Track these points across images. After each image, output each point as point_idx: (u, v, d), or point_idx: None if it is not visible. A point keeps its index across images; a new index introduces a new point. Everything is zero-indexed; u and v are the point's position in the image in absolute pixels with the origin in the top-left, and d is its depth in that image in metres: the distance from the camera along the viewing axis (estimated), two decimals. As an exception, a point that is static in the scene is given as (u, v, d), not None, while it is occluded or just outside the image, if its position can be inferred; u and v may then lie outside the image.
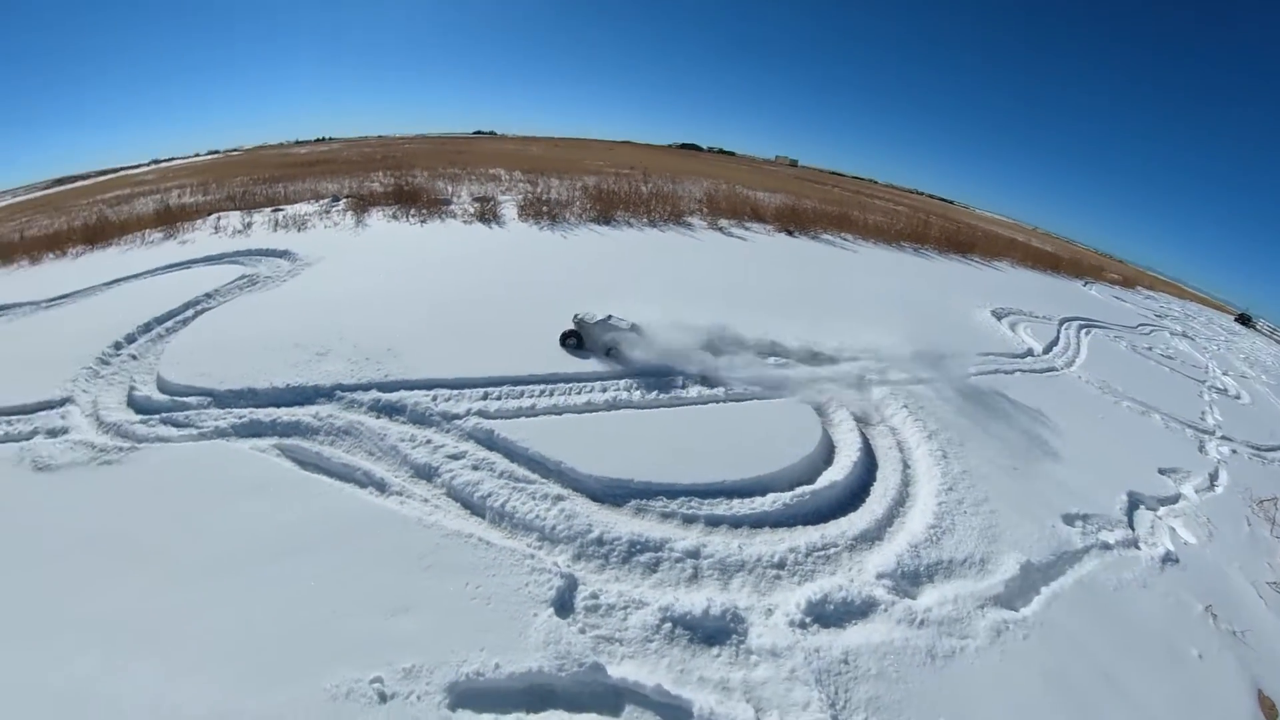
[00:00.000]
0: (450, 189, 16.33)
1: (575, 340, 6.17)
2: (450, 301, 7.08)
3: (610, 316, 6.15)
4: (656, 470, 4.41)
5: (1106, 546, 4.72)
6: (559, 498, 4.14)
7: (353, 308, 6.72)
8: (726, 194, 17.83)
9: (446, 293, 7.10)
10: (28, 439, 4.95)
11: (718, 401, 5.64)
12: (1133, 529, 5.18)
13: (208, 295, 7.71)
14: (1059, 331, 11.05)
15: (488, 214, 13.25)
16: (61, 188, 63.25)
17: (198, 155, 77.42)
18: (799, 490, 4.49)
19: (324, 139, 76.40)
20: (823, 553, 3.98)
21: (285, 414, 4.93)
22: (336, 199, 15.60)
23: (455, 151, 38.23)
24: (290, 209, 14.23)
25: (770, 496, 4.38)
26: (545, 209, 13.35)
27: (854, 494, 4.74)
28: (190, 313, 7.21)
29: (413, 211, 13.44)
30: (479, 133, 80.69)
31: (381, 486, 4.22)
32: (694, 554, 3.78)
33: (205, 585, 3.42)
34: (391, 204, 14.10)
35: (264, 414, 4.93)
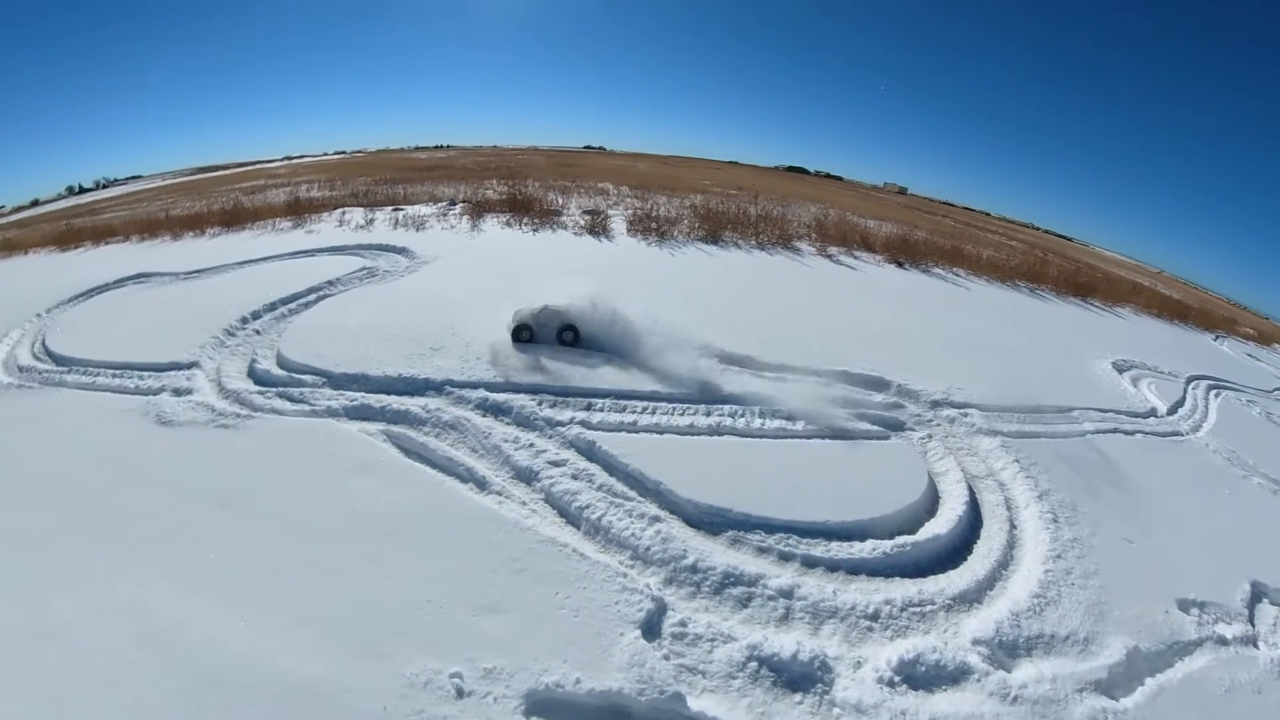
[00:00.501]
0: (560, 200, 17.12)
1: (528, 334, 6.60)
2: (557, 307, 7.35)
3: (547, 306, 6.65)
4: (756, 502, 4.41)
5: (1222, 641, 4.24)
6: (656, 518, 4.19)
7: (466, 307, 7.16)
8: (836, 220, 17.66)
9: (555, 299, 7.41)
10: (155, 394, 5.72)
11: (822, 437, 5.56)
12: (1253, 625, 4.62)
13: (330, 283, 8.53)
14: (1186, 391, 10.05)
15: (598, 227, 13.77)
16: (203, 175, 71.61)
17: (326, 154, 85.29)
18: (900, 540, 4.35)
19: (442, 146, 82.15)
20: (919, 609, 3.83)
21: (395, 402, 5.35)
22: (453, 203, 16.76)
23: (565, 164, 40.11)
24: (409, 209, 15.41)
25: (870, 543, 4.26)
26: (654, 225, 13.72)
27: (956, 550, 4.54)
28: (313, 297, 8.00)
29: (525, 220, 14.19)
30: (588, 147, 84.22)
31: (482, 484, 4.47)
32: (787, 594, 3.75)
33: (306, 552, 3.78)
34: (505, 211, 14.96)
35: (374, 399, 5.38)
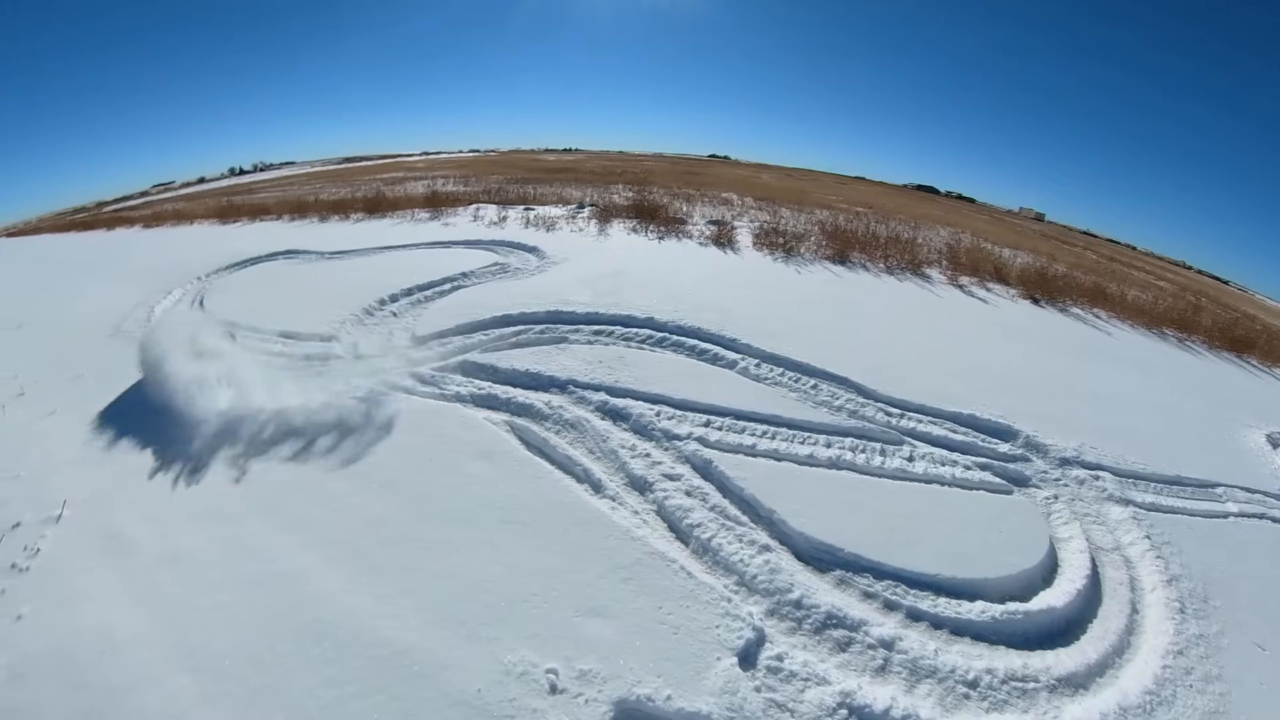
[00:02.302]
0: (686, 209, 17.38)
1: None
2: (682, 319, 7.50)
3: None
4: (867, 544, 4.32)
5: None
6: (766, 547, 4.20)
7: (592, 310, 7.44)
8: (968, 247, 16.80)
9: (680, 311, 7.57)
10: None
11: (942, 483, 5.35)
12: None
13: (464, 275, 9.17)
14: (1356, 480, 8.67)
15: (723, 238, 13.85)
16: (348, 164, 78.19)
17: (460, 151, 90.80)
18: (1011, 606, 4.12)
19: (570, 149, 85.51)
20: (1020, 684, 3.61)
21: (520, 395, 5.69)
22: (581, 206, 17.44)
23: (689, 172, 40.63)
24: (539, 209, 16.17)
25: (979, 605, 4.06)
26: (781, 240, 13.65)
27: (1069, 627, 4.24)
28: (448, 286, 8.64)
29: (651, 227, 14.50)
30: (713, 156, 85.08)
31: (597, 487, 4.66)
32: (888, 644, 3.66)
33: (423, 527, 4.16)
34: (632, 217, 15.34)
35: (501, 390, 5.76)
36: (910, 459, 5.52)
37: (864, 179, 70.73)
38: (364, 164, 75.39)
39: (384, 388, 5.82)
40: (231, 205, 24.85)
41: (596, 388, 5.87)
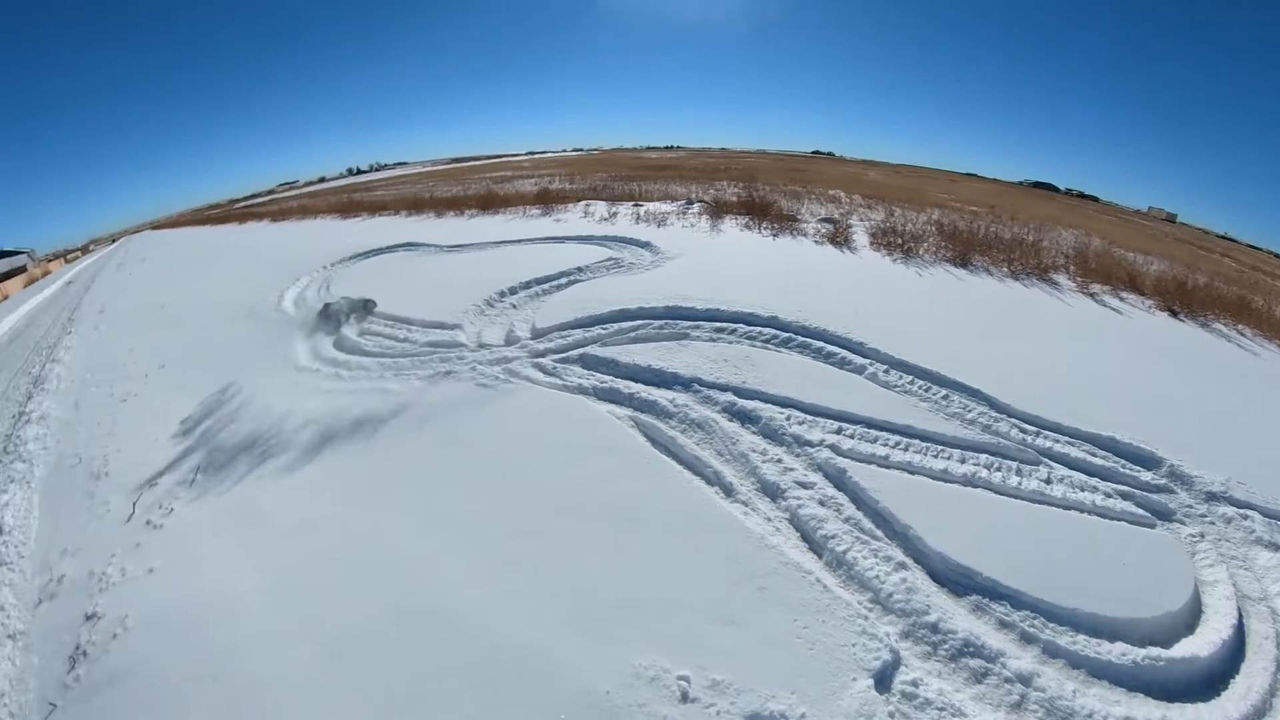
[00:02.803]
0: (795, 206, 16.94)
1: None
2: (806, 320, 7.26)
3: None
4: (1004, 570, 3.99)
5: None
6: (902, 565, 3.98)
7: (711, 306, 7.31)
8: (1098, 251, 15.42)
9: (803, 311, 7.32)
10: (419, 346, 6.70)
11: (1081, 510, 4.90)
12: None
13: (579, 269, 9.28)
14: None
15: (839, 237, 13.38)
16: (458, 164, 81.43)
17: (564, 150, 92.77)
18: (1151, 651, 3.73)
19: (672, 146, 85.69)
20: None
21: (644, 390, 5.63)
22: (690, 202, 17.29)
23: (794, 169, 39.71)
24: (649, 206, 16.17)
25: (1120, 647, 3.70)
26: (899, 241, 13.04)
27: (1211, 679, 3.77)
28: (564, 280, 8.75)
29: (764, 224, 14.20)
30: (816, 152, 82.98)
31: (728, 491, 4.51)
32: (1025, 679, 3.41)
33: (549, 520, 4.15)
34: (742, 214, 15.08)
35: (623, 385, 5.72)
36: (1048, 481, 5.10)
37: (977, 176, 67.16)
38: (473, 163, 78.38)
39: (507, 376, 5.90)
40: (351, 201, 26.31)
41: (723, 387, 5.71)
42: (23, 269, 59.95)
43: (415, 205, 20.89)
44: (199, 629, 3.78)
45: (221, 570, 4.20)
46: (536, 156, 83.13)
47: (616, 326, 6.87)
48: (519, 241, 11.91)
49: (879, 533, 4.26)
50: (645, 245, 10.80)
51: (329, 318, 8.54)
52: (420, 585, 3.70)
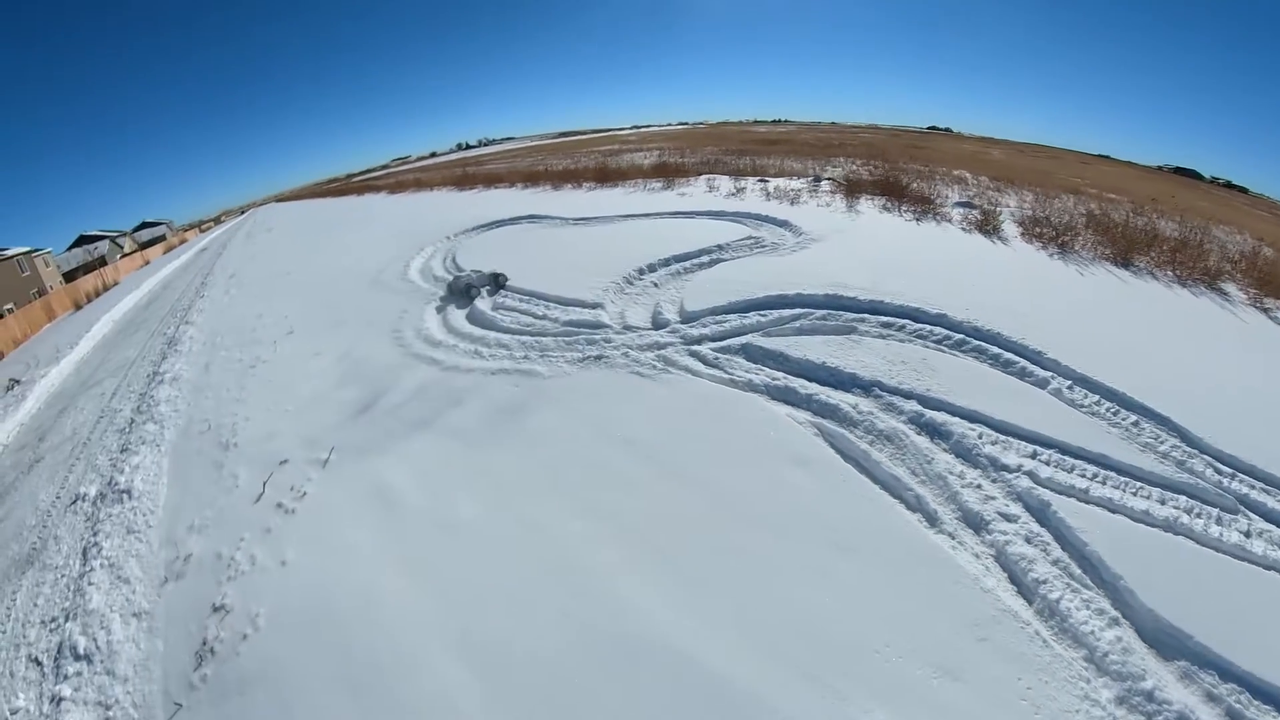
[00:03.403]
0: (927, 188, 15.60)
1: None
2: (977, 320, 6.39)
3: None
4: (1213, 634, 3.56)
5: None
6: (1115, 620, 3.58)
7: (874, 298, 6.48)
8: (1270, 260, 13.17)
9: (971, 309, 6.41)
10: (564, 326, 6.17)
11: None
12: None
13: (719, 247, 8.57)
14: None
15: (988, 225, 12.08)
16: (564, 138, 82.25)
17: (669, 124, 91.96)
18: None
19: (779, 120, 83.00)
20: None
21: (821, 392, 4.94)
22: (819, 179, 16.18)
23: (911, 146, 37.41)
24: (776, 182, 15.20)
25: None
26: (1053, 233, 11.59)
27: None
28: (705, 259, 8.07)
29: (903, 206, 13.03)
30: (933, 128, 78.34)
31: (932, 520, 3.92)
32: None
33: (743, 537, 3.62)
34: (877, 194, 13.90)
35: (798, 384, 5.03)
36: (1247, 535, 4.39)
37: (1108, 159, 61.47)
38: (579, 138, 78.82)
39: (664, 365, 5.29)
40: (466, 174, 26.54)
41: (906, 394, 4.98)
42: (162, 238, 65.03)
43: (530, 178, 20.69)
44: (339, 635, 3.42)
45: (361, 567, 3.80)
46: (642, 130, 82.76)
47: (776, 314, 6.12)
48: (645, 215, 11.32)
49: (1089, 580, 3.84)
50: (784, 224, 9.95)
51: (460, 291, 8.20)
52: (603, 603, 3.28)
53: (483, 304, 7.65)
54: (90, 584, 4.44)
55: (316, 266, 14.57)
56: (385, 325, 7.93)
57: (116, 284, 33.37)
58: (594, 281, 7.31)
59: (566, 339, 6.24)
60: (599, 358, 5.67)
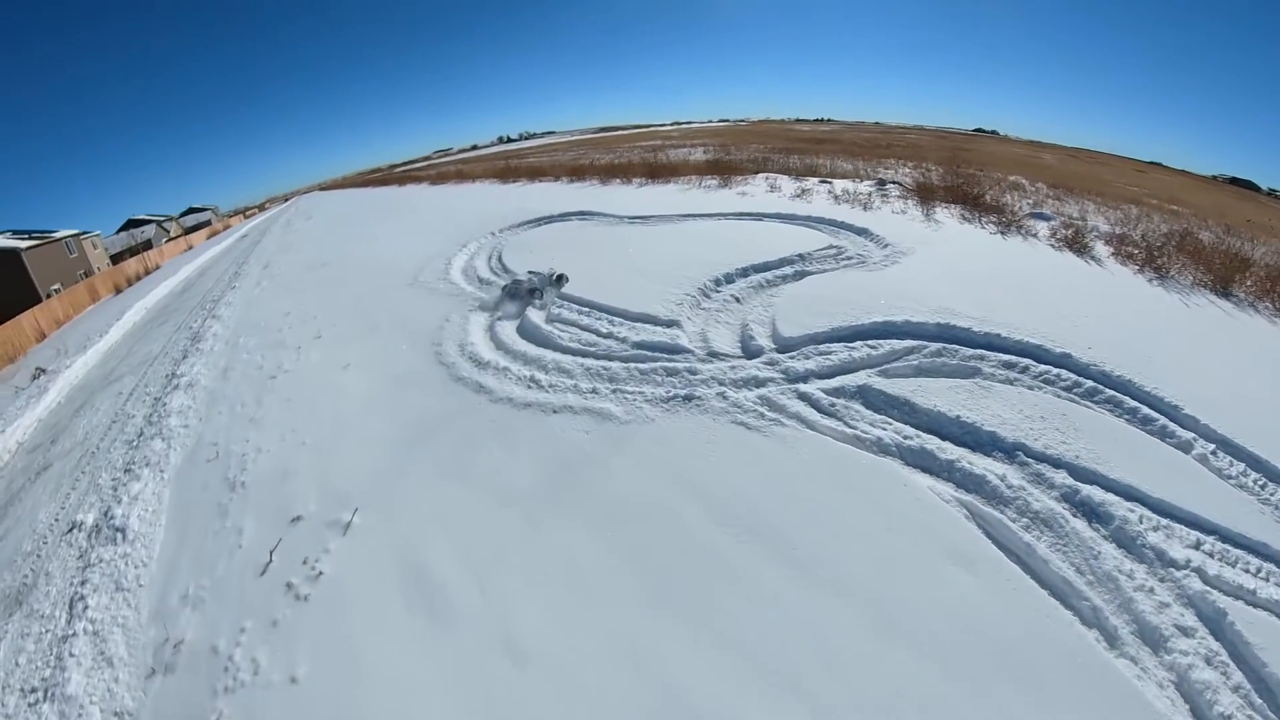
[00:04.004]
0: (997, 196, 14.37)
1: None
2: (1105, 364, 5.31)
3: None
4: None
5: None
6: None
7: (989, 330, 5.47)
8: None
9: (1094, 349, 5.33)
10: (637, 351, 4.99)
11: None
12: None
13: (800, 257, 7.55)
14: None
15: (1076, 242, 10.85)
16: (604, 133, 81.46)
17: (709, 121, 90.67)
18: None
19: (822, 119, 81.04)
20: None
21: (962, 457, 3.96)
22: (884, 183, 15.00)
23: (959, 149, 35.78)
24: (840, 184, 14.04)
25: None
26: (1149, 255, 10.30)
27: None
28: (789, 270, 7.09)
29: (985, 218, 11.81)
30: (979, 130, 75.57)
31: (1111, 639, 3.10)
32: None
33: (907, 662, 2.77)
34: (950, 201, 12.68)
35: (934, 445, 4.04)
36: None
37: (1161, 166, 58.48)
38: (620, 133, 77.81)
39: (773, 414, 4.30)
40: (509, 167, 25.68)
41: (1055, 462, 4.03)
42: (208, 223, 65.78)
43: (576, 171, 19.76)
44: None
45: (396, 687, 2.86)
46: (683, 126, 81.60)
47: (887, 347, 5.10)
48: (708, 216, 10.33)
49: (1270, 715, 3.13)
50: (864, 233, 8.85)
51: (520, 295, 7.30)
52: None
53: (536, 315, 6.69)
54: (72, 654, 3.65)
55: (353, 259, 13.80)
56: (424, 335, 7.06)
57: (158, 268, 33.48)
58: (663, 292, 6.33)
59: (640, 366, 5.23)
60: (688, 398, 4.65)
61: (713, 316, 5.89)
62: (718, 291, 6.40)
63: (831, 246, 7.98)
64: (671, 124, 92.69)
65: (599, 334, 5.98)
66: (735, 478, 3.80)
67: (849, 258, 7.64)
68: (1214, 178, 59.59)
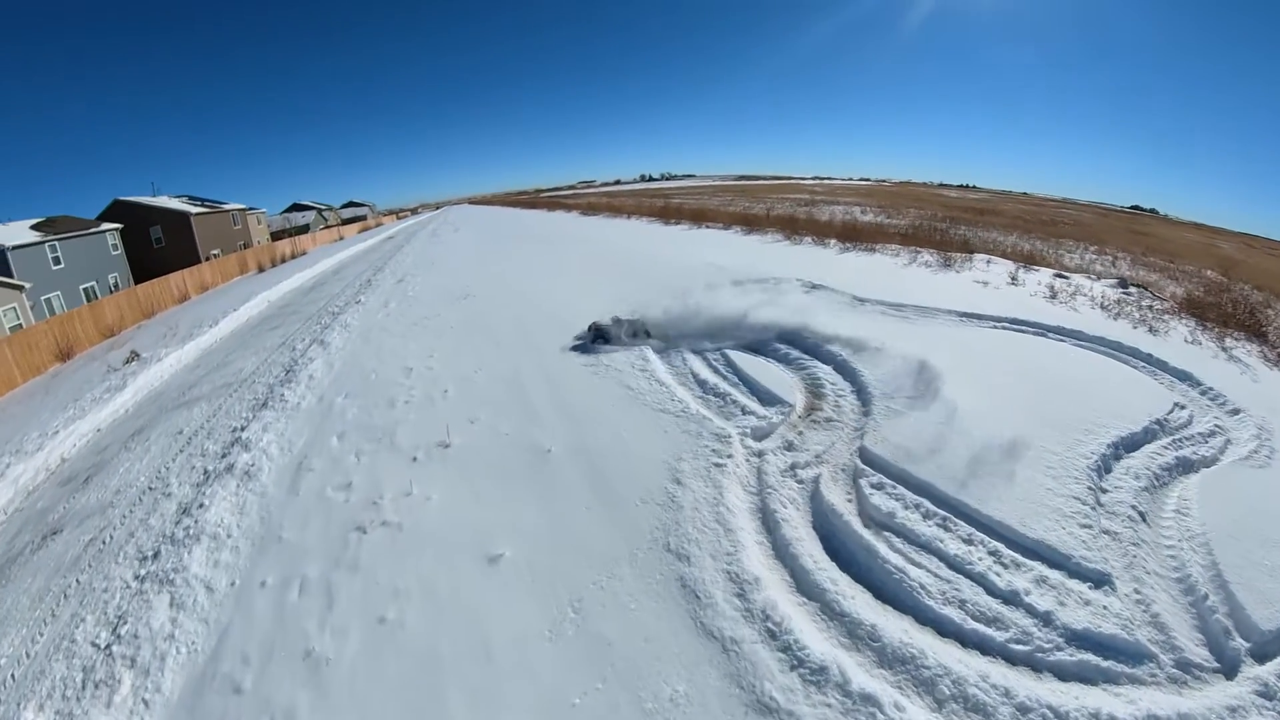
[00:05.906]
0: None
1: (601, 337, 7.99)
2: None
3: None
4: None
5: None
6: None
7: None
8: None
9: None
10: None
11: None
12: None
13: (1159, 425, 4.95)
14: None
15: None
16: (744, 181, 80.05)
17: (850, 178, 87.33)
18: None
19: (967, 185, 75.54)
20: None
21: None
22: (1125, 284, 11.84)
23: (1130, 231, 31.10)
24: (1078, 280, 11.09)
25: None
26: None
27: None
28: (1160, 448, 4.60)
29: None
30: (1135, 208, 66.46)
31: None
32: None
33: None
34: (1223, 324, 9.27)
35: None
36: None
37: None
38: (761, 182, 75.87)
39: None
40: (670, 206, 23.97)
41: None
42: (363, 218, 68.73)
43: (746, 221, 17.69)
44: None
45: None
46: (824, 182, 78.70)
47: None
48: (970, 316, 7.86)
49: None
50: (1199, 386, 5.97)
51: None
52: None
53: (847, 514, 3.92)
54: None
55: (504, 297, 11.82)
56: (635, 500, 4.33)
57: (305, 253, 34.44)
58: (1046, 486, 3.88)
59: (1079, 693, 2.71)
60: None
61: (1127, 552, 3.43)
62: (1105, 491, 3.92)
63: (1177, 407, 5.33)
64: (813, 178, 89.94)
65: (982, 583, 3.31)
66: None
67: (1211, 436, 4.94)
68: None
